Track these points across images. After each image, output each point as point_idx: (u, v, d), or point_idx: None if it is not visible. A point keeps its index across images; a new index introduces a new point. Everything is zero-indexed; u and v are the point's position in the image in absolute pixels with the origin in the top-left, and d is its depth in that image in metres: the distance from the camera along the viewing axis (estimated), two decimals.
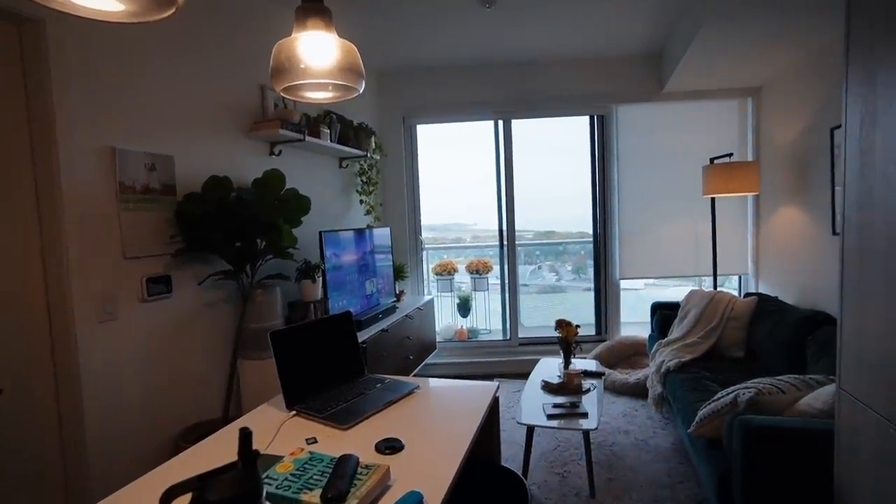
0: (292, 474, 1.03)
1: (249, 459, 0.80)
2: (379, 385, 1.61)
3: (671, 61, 3.47)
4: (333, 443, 1.25)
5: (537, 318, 5.69)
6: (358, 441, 1.26)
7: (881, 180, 1.22)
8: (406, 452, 1.19)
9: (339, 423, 1.34)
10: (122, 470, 1.81)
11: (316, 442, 1.26)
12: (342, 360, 1.67)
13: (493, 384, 1.63)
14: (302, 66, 1.17)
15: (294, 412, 1.42)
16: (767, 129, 3.65)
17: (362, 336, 2.69)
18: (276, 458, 1.11)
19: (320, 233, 2.70)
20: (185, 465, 1.17)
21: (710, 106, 3.88)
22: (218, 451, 1.24)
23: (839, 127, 2.64)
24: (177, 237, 2.03)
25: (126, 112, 1.88)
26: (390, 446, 1.19)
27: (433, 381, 1.71)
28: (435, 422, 1.37)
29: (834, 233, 2.78)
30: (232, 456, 0.82)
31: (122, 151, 1.84)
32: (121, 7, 0.81)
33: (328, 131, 2.97)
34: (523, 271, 5.93)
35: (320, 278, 2.66)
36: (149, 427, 1.95)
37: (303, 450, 1.14)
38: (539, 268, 6.74)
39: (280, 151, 2.73)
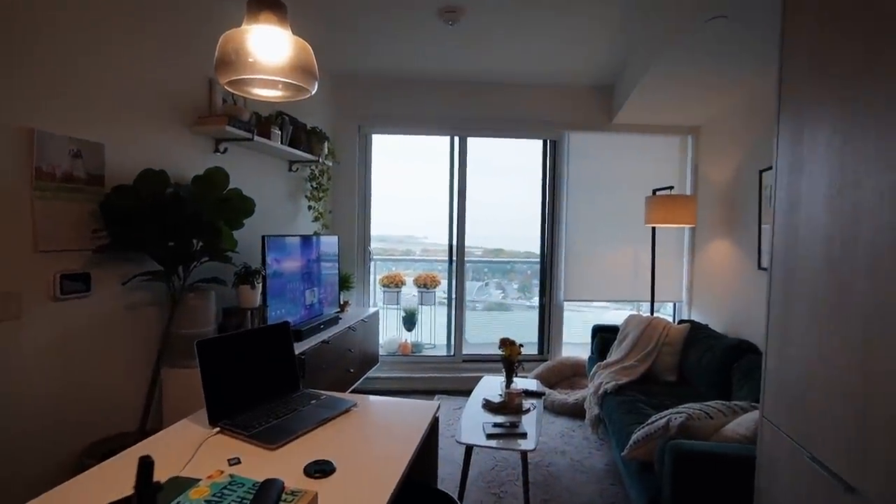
0: (207, 501, 0.94)
1: (147, 496, 0.67)
2: (314, 401, 1.53)
3: (621, 96, 3.64)
4: (259, 464, 1.16)
5: (482, 334, 5.72)
6: (286, 463, 1.17)
7: (805, 222, 1.31)
8: (337, 476, 1.12)
9: (266, 442, 1.25)
10: (9, 491, 1.60)
11: (239, 463, 1.16)
12: (276, 374, 1.57)
13: (434, 403, 1.59)
14: (250, 59, 1.10)
15: (218, 429, 1.32)
16: (704, 167, 3.90)
17: (302, 347, 2.57)
18: (192, 482, 1.01)
19: (263, 237, 2.58)
20: (85, 487, 1.04)
21: (655, 140, 4.09)
22: (126, 470, 1.11)
23: (768, 169, 2.85)
24: (100, 232, 1.86)
25: (52, 91, 1.71)
26: (320, 469, 1.12)
27: (372, 398, 1.64)
28: (371, 442, 1.31)
29: (759, 267, 2.98)
30: None
31: (44, 134, 1.68)
32: None
33: (279, 133, 2.86)
34: (471, 287, 5.95)
35: (260, 284, 2.53)
36: (50, 440, 1.75)
37: (223, 472, 1.05)
38: (486, 284, 6.81)
39: (226, 149, 2.59)
